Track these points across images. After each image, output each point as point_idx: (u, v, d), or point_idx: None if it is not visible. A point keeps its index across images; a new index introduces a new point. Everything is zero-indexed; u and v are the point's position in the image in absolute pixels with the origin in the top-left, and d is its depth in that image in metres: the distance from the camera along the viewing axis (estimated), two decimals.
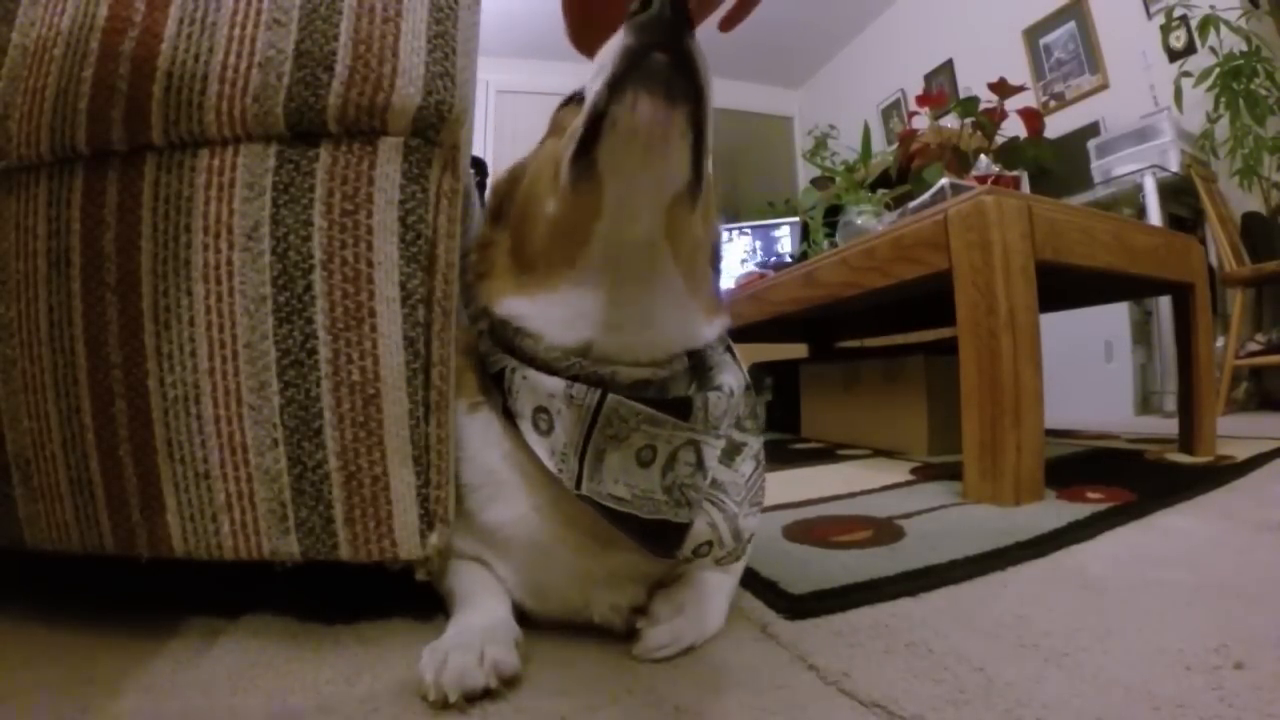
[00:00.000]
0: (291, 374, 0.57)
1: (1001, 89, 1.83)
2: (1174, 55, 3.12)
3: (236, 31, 0.57)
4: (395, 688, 0.50)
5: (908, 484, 1.42)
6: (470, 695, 0.47)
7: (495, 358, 0.60)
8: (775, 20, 4.69)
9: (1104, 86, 3.51)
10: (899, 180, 2.14)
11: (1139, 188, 2.86)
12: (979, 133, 1.88)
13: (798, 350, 2.91)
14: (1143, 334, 3.05)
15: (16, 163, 0.60)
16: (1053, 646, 0.57)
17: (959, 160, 1.84)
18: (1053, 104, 3.71)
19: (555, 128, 0.62)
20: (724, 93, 5.55)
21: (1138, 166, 2.93)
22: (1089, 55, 3.57)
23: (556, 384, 0.54)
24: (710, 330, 0.62)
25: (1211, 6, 2.83)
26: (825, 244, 2.52)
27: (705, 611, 0.60)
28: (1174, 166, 2.91)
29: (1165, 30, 3.10)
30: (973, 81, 3.80)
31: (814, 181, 2.84)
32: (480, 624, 0.54)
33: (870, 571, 0.78)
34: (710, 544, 0.56)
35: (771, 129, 5.80)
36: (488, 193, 0.71)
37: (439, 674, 0.47)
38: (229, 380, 0.57)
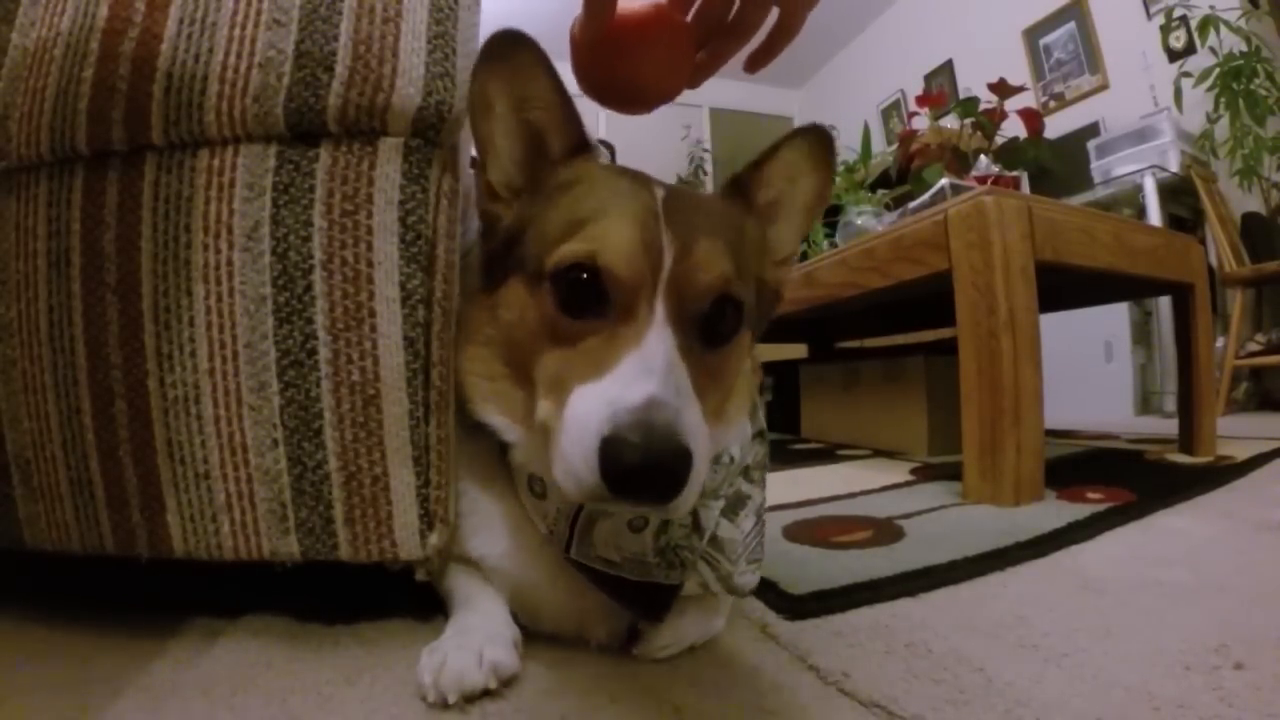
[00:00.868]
0: (291, 374, 0.57)
1: (1001, 89, 1.83)
2: (1174, 55, 3.12)
3: (236, 32, 0.57)
4: (395, 688, 0.50)
5: (908, 484, 1.43)
6: (469, 696, 0.47)
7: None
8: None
9: (1104, 87, 3.52)
10: (899, 180, 2.14)
11: (1139, 188, 2.86)
12: (979, 133, 1.88)
13: (798, 350, 2.91)
14: (1143, 334, 3.05)
15: (16, 163, 0.60)
16: (1053, 646, 0.57)
17: (959, 160, 1.85)
18: (1053, 104, 3.71)
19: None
20: (724, 93, 5.59)
21: (1137, 167, 2.93)
22: (1089, 55, 3.57)
23: (522, 467, 0.54)
24: (729, 431, 0.57)
25: (1211, 6, 2.83)
26: (825, 244, 2.52)
27: (707, 612, 0.60)
28: (1174, 167, 2.91)
29: (1165, 30, 3.10)
30: (973, 82, 3.80)
31: None
32: (479, 624, 0.54)
33: (870, 572, 0.78)
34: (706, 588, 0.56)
35: (771, 129, 5.80)
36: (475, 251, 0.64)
37: (438, 675, 0.47)
38: (229, 380, 0.57)
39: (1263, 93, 2.77)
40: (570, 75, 0.59)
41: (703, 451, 0.42)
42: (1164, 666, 0.52)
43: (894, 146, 2.43)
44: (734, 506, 0.58)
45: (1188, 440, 1.65)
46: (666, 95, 0.57)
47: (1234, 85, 2.78)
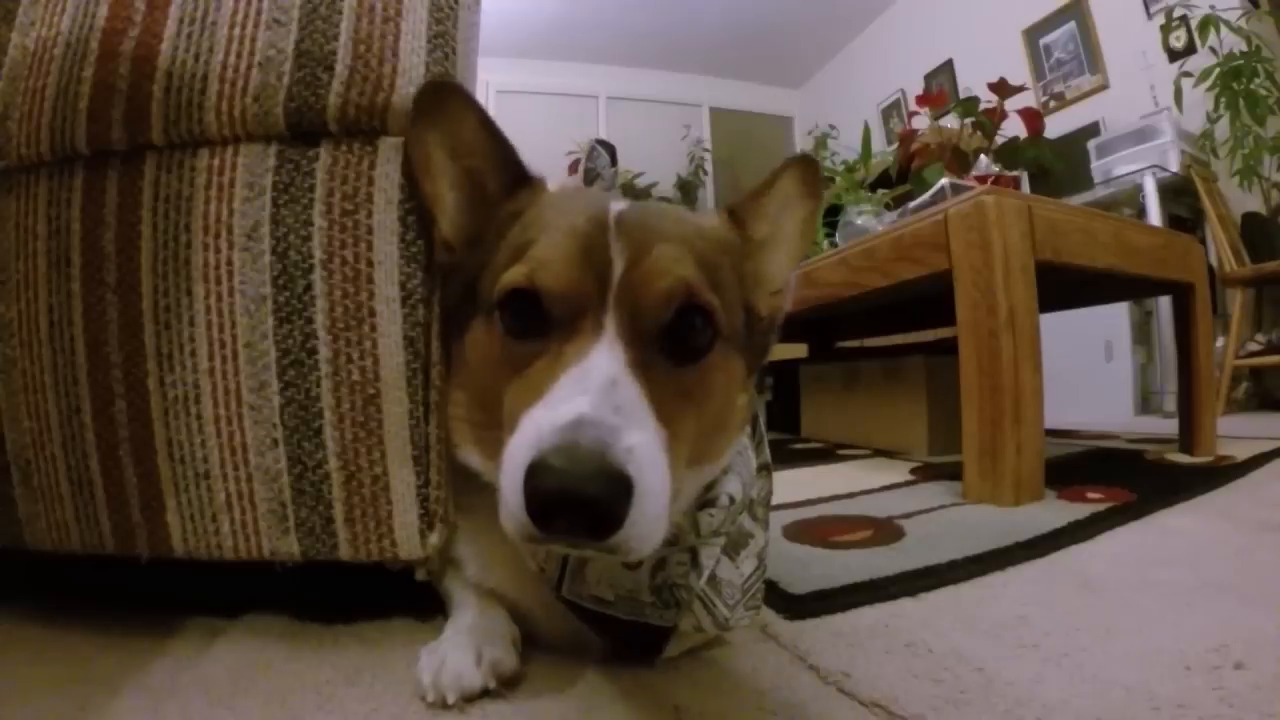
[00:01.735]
0: (291, 374, 0.57)
1: (1001, 89, 1.83)
2: (1174, 55, 3.12)
3: (236, 31, 0.57)
4: (395, 687, 0.50)
5: (908, 484, 1.42)
6: (469, 696, 0.47)
7: None
8: (775, 20, 4.69)
9: (1104, 87, 3.52)
10: (899, 180, 2.14)
11: (1139, 188, 2.86)
12: (979, 133, 1.88)
13: (798, 350, 2.91)
14: (1143, 334, 3.05)
15: (16, 163, 0.60)
16: (1053, 646, 0.57)
17: (959, 160, 1.84)
18: (1053, 104, 3.70)
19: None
20: (724, 93, 5.59)
21: (1138, 167, 2.93)
22: (1089, 55, 3.57)
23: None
24: (718, 466, 0.54)
25: (1211, 6, 2.83)
26: (825, 244, 2.52)
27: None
28: (1174, 166, 2.91)
29: (1165, 30, 3.10)
30: (973, 81, 3.79)
31: None
32: (478, 624, 0.54)
33: (870, 571, 0.78)
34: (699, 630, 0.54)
35: (771, 129, 5.80)
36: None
37: (437, 676, 0.47)
38: (229, 380, 0.57)
39: (1263, 93, 2.77)
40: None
41: (654, 480, 0.37)
42: (1164, 666, 0.52)
43: (894, 146, 2.43)
44: (735, 545, 0.56)
45: (1188, 440, 1.65)
46: None
47: (1234, 85, 2.78)
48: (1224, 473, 1.37)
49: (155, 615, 0.64)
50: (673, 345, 0.46)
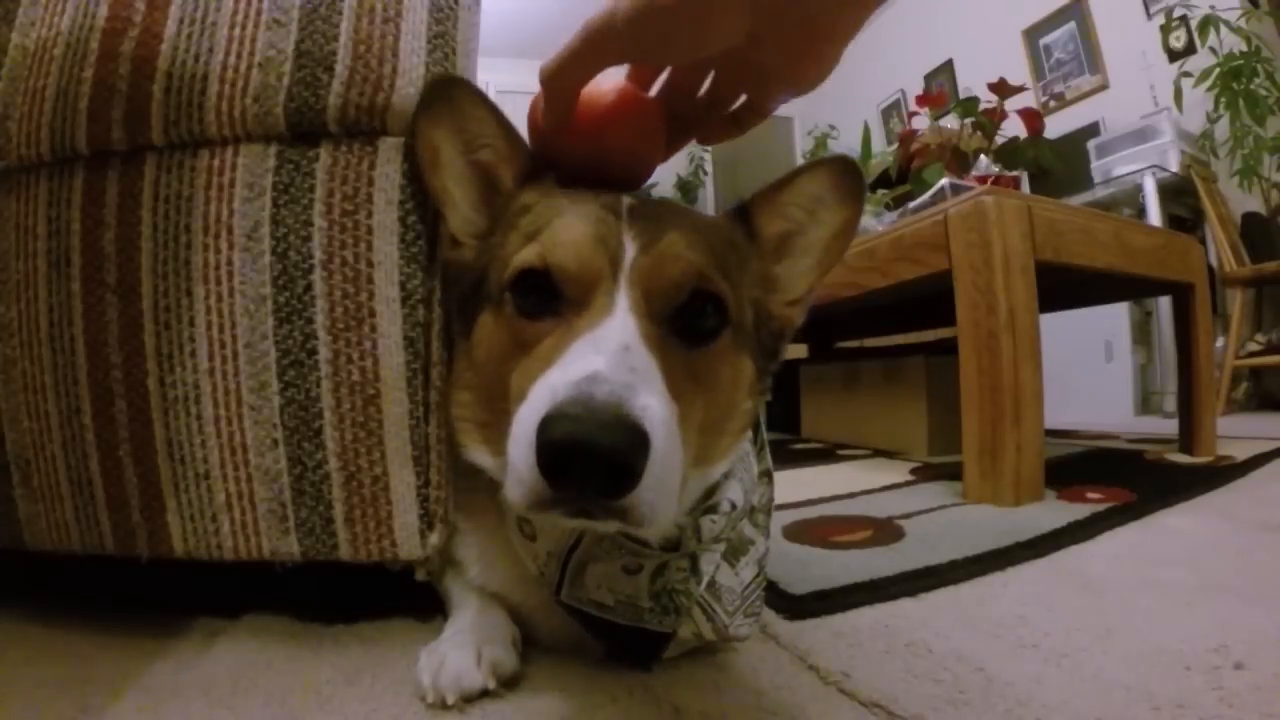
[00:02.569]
0: (291, 374, 0.57)
1: (1001, 89, 1.83)
2: (1174, 55, 3.12)
3: (236, 32, 0.57)
4: (395, 688, 0.50)
5: (908, 484, 1.42)
6: (468, 696, 0.47)
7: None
8: None
9: (1104, 87, 3.52)
10: (899, 180, 2.14)
11: (1139, 188, 2.86)
12: (979, 133, 1.88)
13: (798, 350, 2.91)
14: (1143, 334, 3.05)
15: (16, 163, 0.60)
16: (1053, 646, 0.57)
17: (959, 160, 1.84)
18: (1053, 104, 3.71)
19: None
20: None
21: (1138, 167, 2.93)
22: (1089, 55, 3.57)
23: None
24: (720, 469, 0.53)
25: (1211, 7, 2.83)
26: None
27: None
28: (1174, 166, 2.91)
29: (1165, 30, 3.11)
30: (973, 81, 3.80)
31: None
32: (478, 624, 0.54)
33: (870, 572, 0.78)
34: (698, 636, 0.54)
35: (771, 129, 5.79)
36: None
37: (436, 676, 0.47)
38: (229, 380, 0.57)
39: (1263, 93, 2.77)
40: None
41: (668, 444, 0.36)
42: (1164, 666, 0.52)
43: (894, 146, 2.43)
44: (735, 551, 0.56)
45: (1188, 440, 1.65)
46: (640, 174, 0.54)
47: (1234, 85, 2.78)
48: (1224, 473, 1.37)
49: (155, 615, 0.64)
50: (683, 328, 0.46)
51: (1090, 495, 1.17)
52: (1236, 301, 2.80)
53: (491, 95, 0.53)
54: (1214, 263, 2.74)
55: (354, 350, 0.56)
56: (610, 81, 0.50)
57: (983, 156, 1.86)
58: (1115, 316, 3.00)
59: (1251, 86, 2.76)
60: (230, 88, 0.56)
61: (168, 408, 0.58)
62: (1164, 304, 2.72)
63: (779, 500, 0.91)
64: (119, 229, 0.58)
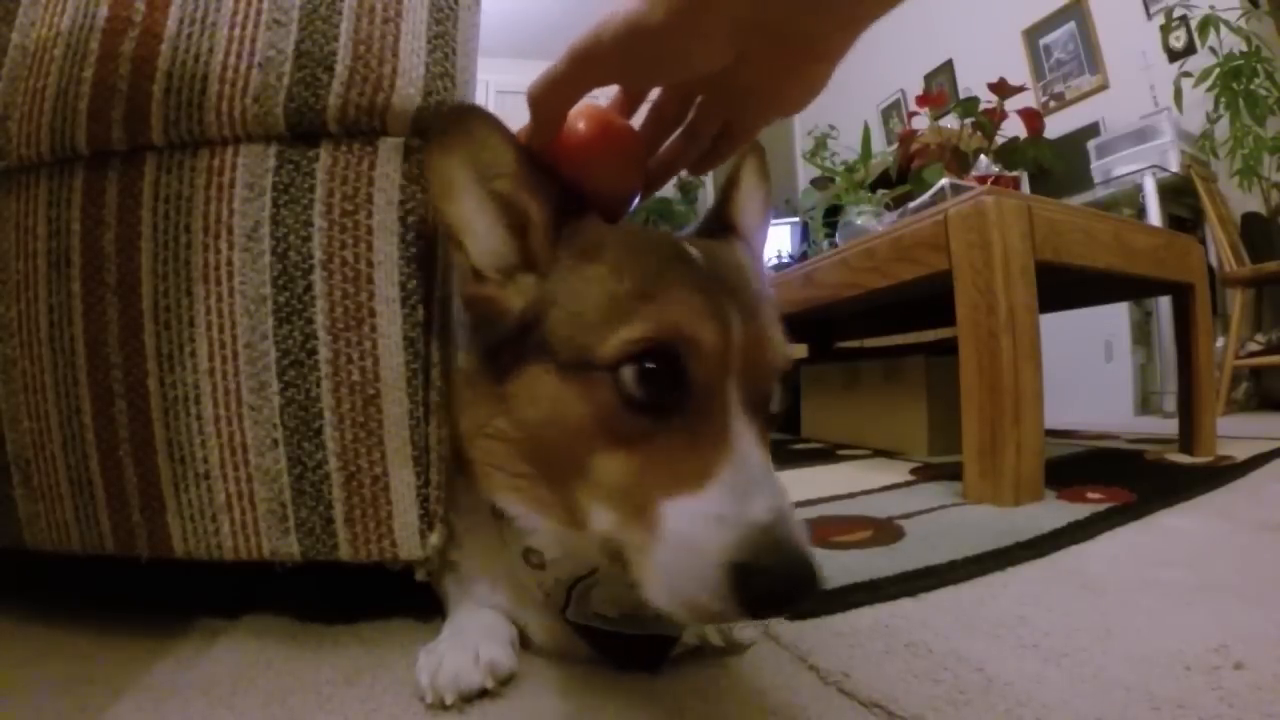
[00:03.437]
0: (291, 374, 0.57)
1: (1001, 89, 1.83)
2: (1174, 55, 3.12)
3: (236, 32, 0.57)
4: (395, 688, 0.50)
5: (908, 484, 1.42)
6: (467, 696, 0.47)
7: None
8: None
9: (1104, 87, 3.51)
10: (899, 180, 2.14)
11: (1139, 188, 2.86)
12: (979, 133, 1.88)
13: (798, 350, 2.90)
14: (1143, 334, 3.05)
15: (16, 163, 0.60)
16: (1053, 646, 0.57)
17: (959, 160, 1.84)
18: (1053, 104, 3.70)
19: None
20: None
21: (1138, 167, 2.93)
22: (1089, 55, 3.57)
23: (553, 543, 0.50)
24: None
25: (1211, 6, 2.83)
26: (825, 244, 2.52)
27: None
28: (1174, 167, 2.91)
29: (1165, 30, 3.10)
30: (973, 81, 3.80)
31: (814, 182, 2.84)
32: (476, 623, 0.54)
33: (870, 572, 0.78)
34: (700, 649, 0.54)
35: (771, 129, 5.77)
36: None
37: (435, 676, 0.47)
38: (229, 380, 0.57)
39: (1263, 93, 2.77)
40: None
41: None
42: (1164, 666, 0.52)
43: (894, 146, 2.43)
44: None
45: (1188, 440, 1.65)
46: (618, 206, 0.52)
47: (1234, 85, 2.78)
48: (1224, 473, 1.37)
49: (155, 615, 0.64)
50: (765, 413, 0.44)
51: (1090, 495, 1.17)
52: (1236, 301, 2.80)
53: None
54: (1214, 263, 2.73)
55: (354, 350, 0.56)
56: (592, 109, 0.49)
57: (983, 156, 1.86)
58: (1115, 316, 3.00)
59: (1251, 86, 2.76)
60: (230, 88, 0.56)
61: (168, 408, 0.58)
62: (1164, 304, 2.71)
63: None
64: (119, 229, 0.58)
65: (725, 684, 0.52)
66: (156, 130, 0.57)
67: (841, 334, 2.82)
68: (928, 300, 1.57)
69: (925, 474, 1.52)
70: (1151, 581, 0.74)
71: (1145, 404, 3.05)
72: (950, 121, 1.97)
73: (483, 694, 0.48)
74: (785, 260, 3.42)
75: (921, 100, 2.22)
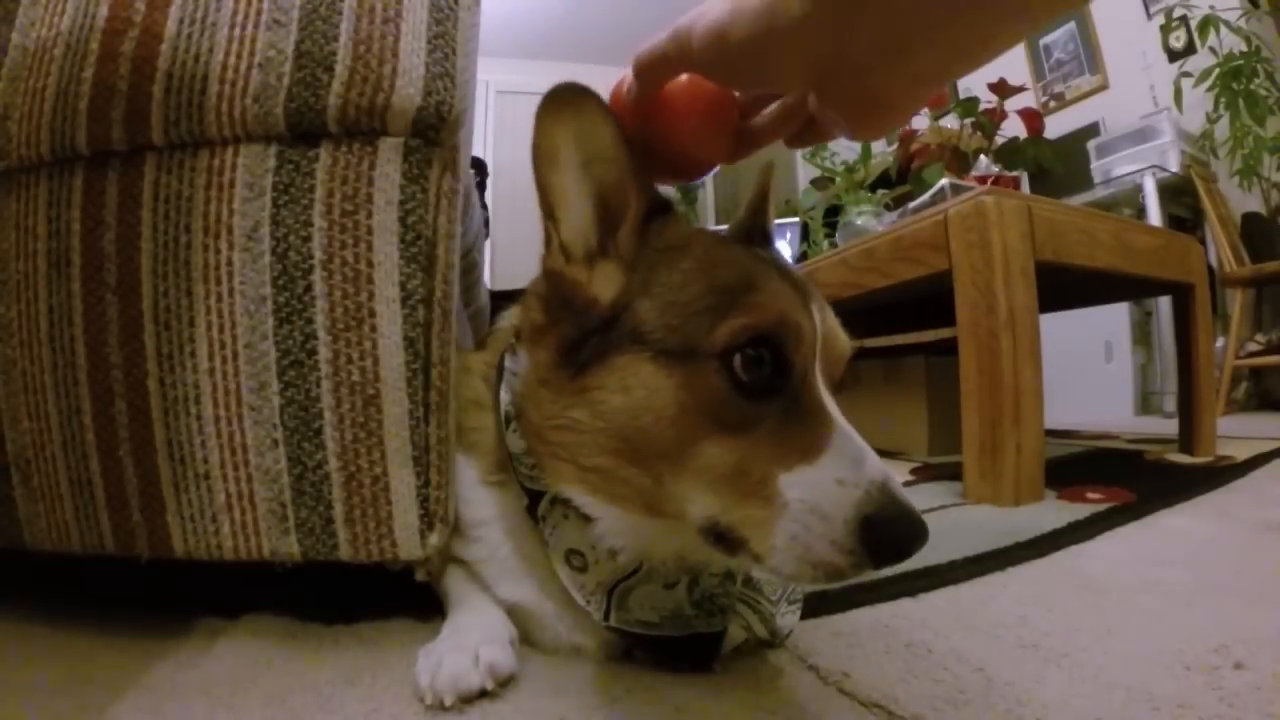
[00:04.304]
0: (291, 374, 0.57)
1: (1001, 89, 1.83)
2: (1174, 55, 3.12)
3: (236, 32, 0.57)
4: (395, 688, 0.50)
5: (908, 484, 1.43)
6: (466, 697, 0.47)
7: (535, 476, 0.53)
8: None
9: (1104, 87, 3.52)
10: (899, 180, 2.14)
11: (1139, 188, 2.86)
12: (979, 133, 1.88)
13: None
14: (1143, 334, 3.05)
15: (17, 163, 0.60)
16: (1053, 646, 0.57)
17: (959, 160, 1.85)
18: (1053, 104, 3.71)
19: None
20: None
21: (1138, 167, 2.93)
22: (1089, 55, 3.57)
23: (602, 539, 0.51)
24: None
25: (1211, 7, 2.83)
26: (825, 244, 2.52)
27: None
28: (1174, 167, 2.91)
29: (1165, 30, 3.11)
30: (972, 81, 3.79)
31: (814, 182, 2.84)
32: (475, 624, 0.54)
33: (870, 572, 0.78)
34: (748, 642, 0.55)
35: None
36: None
37: (434, 678, 0.47)
38: (229, 380, 0.57)
39: (1263, 93, 2.77)
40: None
41: None
42: (1164, 666, 0.52)
43: (894, 146, 2.43)
44: None
45: (1188, 440, 1.65)
46: (703, 166, 0.53)
47: (1234, 85, 2.78)
48: (1224, 473, 1.37)
49: (155, 616, 0.64)
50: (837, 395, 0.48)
51: (1090, 495, 1.17)
52: (1236, 301, 2.80)
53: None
54: (1214, 263, 2.73)
55: (354, 350, 0.56)
56: (693, 76, 0.50)
57: (983, 156, 1.86)
58: (1115, 316, 3.00)
59: (1251, 86, 2.76)
60: (230, 88, 0.56)
61: (168, 408, 0.58)
62: (1164, 304, 2.71)
63: None
64: (119, 229, 0.58)
65: (725, 684, 0.52)
66: (156, 130, 0.57)
67: None
68: (928, 300, 1.57)
69: (925, 474, 1.52)
70: (1151, 581, 0.74)
71: (1145, 404, 3.05)
72: (950, 121, 1.98)
73: (482, 695, 0.48)
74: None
75: None
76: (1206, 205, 2.77)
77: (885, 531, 0.40)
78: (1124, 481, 1.27)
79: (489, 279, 2.33)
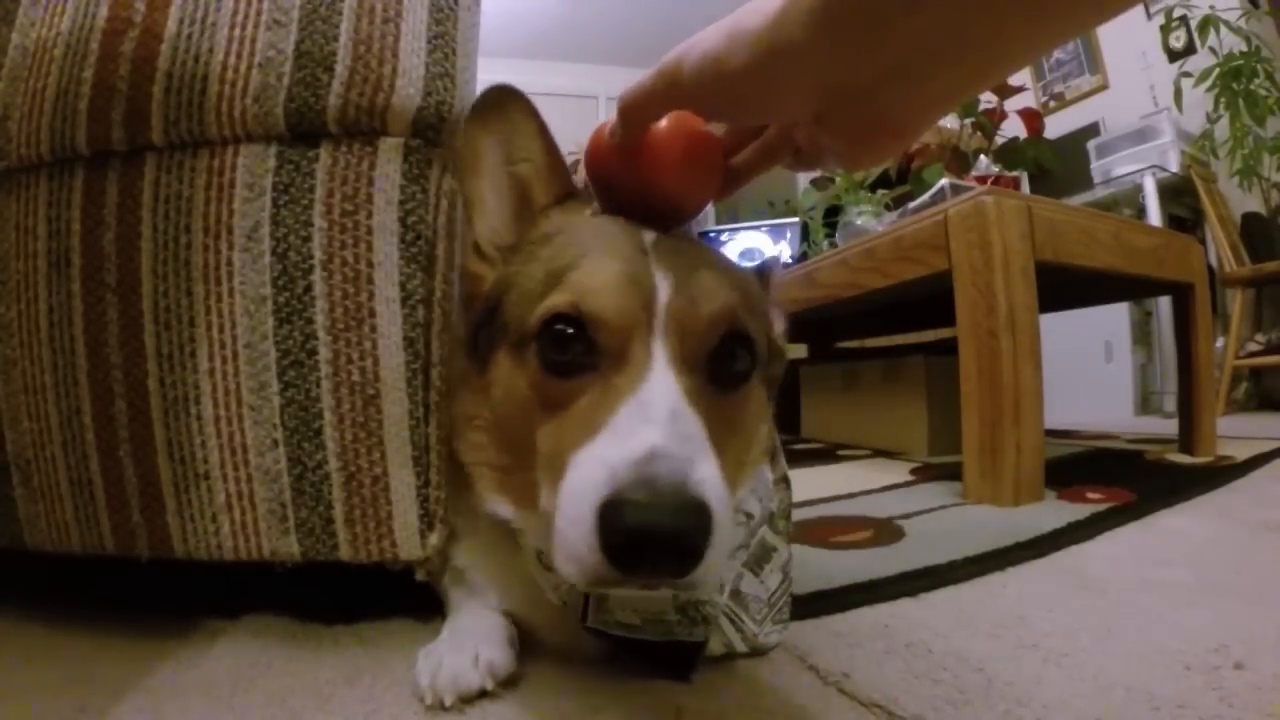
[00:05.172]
0: (291, 374, 0.57)
1: (1001, 89, 1.83)
2: (1174, 55, 3.12)
3: (237, 32, 0.57)
4: (395, 688, 0.50)
5: (908, 484, 1.42)
6: (466, 698, 0.47)
7: None
8: None
9: (1104, 87, 3.52)
10: (899, 180, 2.14)
11: (1139, 188, 2.86)
12: (979, 133, 1.88)
13: (798, 350, 2.91)
14: (1143, 334, 3.05)
15: (17, 163, 0.60)
16: (1053, 646, 0.57)
17: (959, 160, 1.85)
18: (1053, 104, 3.71)
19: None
20: None
21: (1137, 167, 2.93)
22: (1089, 55, 3.57)
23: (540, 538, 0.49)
24: (743, 493, 0.53)
25: (1211, 7, 2.83)
26: (825, 244, 2.52)
27: None
28: (1174, 167, 2.91)
29: (1165, 30, 3.11)
30: None
31: (814, 182, 2.84)
32: (475, 624, 0.54)
33: (870, 572, 0.78)
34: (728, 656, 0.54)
35: None
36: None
37: (434, 678, 0.47)
38: (229, 381, 0.57)
39: (1263, 93, 2.77)
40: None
41: (725, 512, 0.35)
42: (1164, 666, 0.52)
43: None
44: (758, 560, 0.55)
45: (1188, 440, 1.65)
46: (690, 210, 0.52)
47: (1234, 85, 2.78)
48: (1224, 473, 1.37)
49: (156, 616, 0.64)
50: (714, 373, 0.44)
51: (1090, 495, 1.17)
52: (1236, 301, 2.80)
53: None
54: (1214, 263, 2.73)
55: (354, 350, 0.56)
56: (678, 113, 0.49)
57: (983, 156, 1.86)
58: (1115, 316, 3.00)
59: (1251, 87, 2.76)
60: (230, 88, 0.56)
61: (168, 408, 0.58)
62: (1164, 304, 2.72)
63: None
64: (119, 229, 0.58)
65: (725, 684, 0.52)
66: (156, 130, 0.57)
67: (841, 334, 2.82)
68: (928, 300, 1.57)
69: (925, 474, 1.52)
70: (1151, 581, 0.74)
71: (1145, 404, 3.05)
72: (950, 121, 1.97)
73: (482, 695, 0.48)
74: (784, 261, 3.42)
75: None
76: (1206, 205, 2.77)
77: (617, 521, 0.32)
78: (1124, 481, 1.27)
79: None
